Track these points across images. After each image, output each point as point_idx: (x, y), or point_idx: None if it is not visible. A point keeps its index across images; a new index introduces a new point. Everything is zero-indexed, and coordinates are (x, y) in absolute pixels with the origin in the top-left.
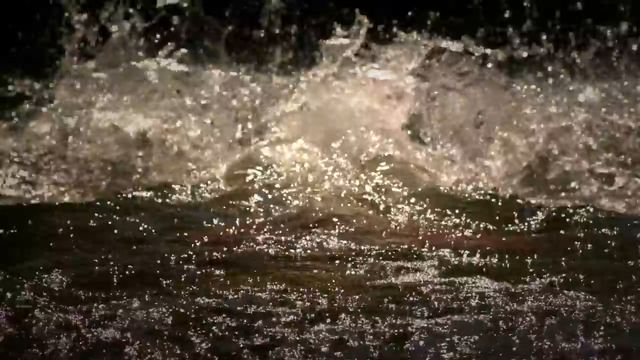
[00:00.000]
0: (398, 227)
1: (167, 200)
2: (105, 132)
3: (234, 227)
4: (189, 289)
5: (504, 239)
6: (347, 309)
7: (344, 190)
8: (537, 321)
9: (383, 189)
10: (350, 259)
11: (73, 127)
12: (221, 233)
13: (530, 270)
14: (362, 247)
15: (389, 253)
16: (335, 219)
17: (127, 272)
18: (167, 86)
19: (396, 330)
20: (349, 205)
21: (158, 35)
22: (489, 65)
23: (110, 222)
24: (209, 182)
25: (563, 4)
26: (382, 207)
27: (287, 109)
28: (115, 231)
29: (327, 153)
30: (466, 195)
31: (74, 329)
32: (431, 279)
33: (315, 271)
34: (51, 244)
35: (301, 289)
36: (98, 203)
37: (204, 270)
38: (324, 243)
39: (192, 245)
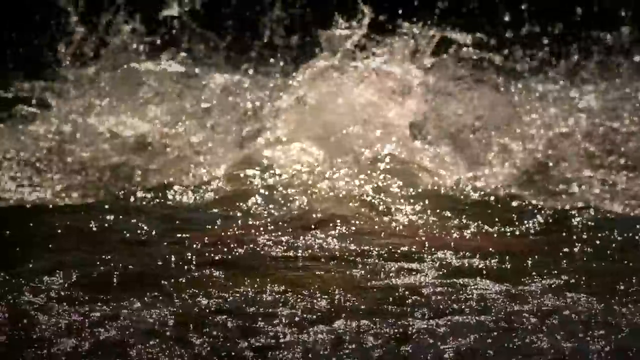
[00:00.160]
0: (398, 228)
1: (168, 201)
2: (105, 134)
3: (234, 228)
4: (190, 290)
5: (504, 240)
6: (348, 310)
7: (345, 191)
8: (538, 322)
9: (384, 190)
10: (350, 260)
11: (74, 129)
12: (222, 234)
13: (531, 271)
14: (363, 248)
15: (390, 254)
16: (335, 220)
17: (127, 273)
18: (166, 88)
19: (396, 332)
20: (349, 206)
21: (158, 38)
22: (490, 66)
23: (111, 224)
24: (209, 183)
25: (564, 9)
26: (382, 208)
27: (286, 105)
28: (116, 232)
29: (328, 153)
30: (467, 196)
31: (74, 331)
32: (431, 280)
33: (315, 272)
34: (52, 245)
35: (301, 290)
36: (99, 204)
37: (204, 271)
38: (325, 244)
39: (193, 246)
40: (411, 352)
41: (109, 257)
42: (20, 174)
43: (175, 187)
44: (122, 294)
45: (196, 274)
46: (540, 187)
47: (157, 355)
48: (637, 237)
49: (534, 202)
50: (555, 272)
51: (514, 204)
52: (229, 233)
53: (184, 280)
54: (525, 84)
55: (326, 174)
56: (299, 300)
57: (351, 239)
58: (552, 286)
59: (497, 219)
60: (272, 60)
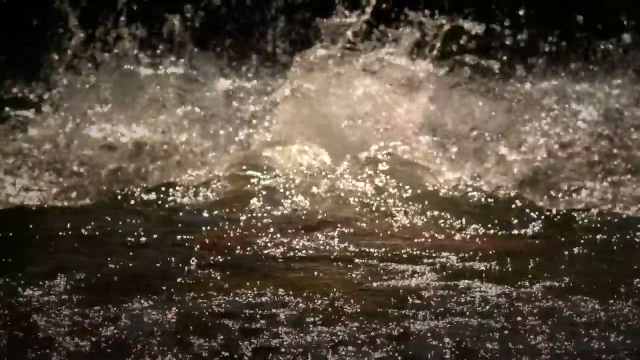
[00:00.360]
0: (399, 230)
1: (168, 203)
2: (105, 137)
3: (234, 230)
4: (190, 292)
5: (505, 242)
6: (348, 312)
7: (345, 192)
8: (538, 324)
9: (384, 191)
10: (351, 261)
11: (74, 132)
12: (222, 235)
13: (531, 273)
14: (363, 250)
15: (390, 256)
16: (336, 221)
17: (127, 275)
18: (166, 90)
19: (397, 333)
20: (350, 207)
21: (158, 40)
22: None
23: (111, 226)
24: (209, 184)
25: (563, 14)
26: (383, 209)
27: (286, 103)
28: (116, 234)
29: (328, 153)
30: (468, 198)
31: (74, 333)
32: (432, 281)
33: (316, 273)
34: (51, 248)
35: (302, 291)
36: (98, 207)
37: (204, 273)
38: (325, 245)
39: (193, 248)
40: (412, 353)
41: (109, 259)
42: (19, 177)
43: (176, 190)
44: (122, 296)
45: (197, 275)
46: (541, 188)
47: (158, 357)
48: (637, 239)
49: (534, 203)
50: (556, 274)
51: (515, 205)
52: (229, 235)
53: (184, 282)
54: (526, 89)
55: (326, 174)
56: (299, 301)
57: (351, 240)
58: (553, 288)
59: (497, 221)
60: (271, 62)
